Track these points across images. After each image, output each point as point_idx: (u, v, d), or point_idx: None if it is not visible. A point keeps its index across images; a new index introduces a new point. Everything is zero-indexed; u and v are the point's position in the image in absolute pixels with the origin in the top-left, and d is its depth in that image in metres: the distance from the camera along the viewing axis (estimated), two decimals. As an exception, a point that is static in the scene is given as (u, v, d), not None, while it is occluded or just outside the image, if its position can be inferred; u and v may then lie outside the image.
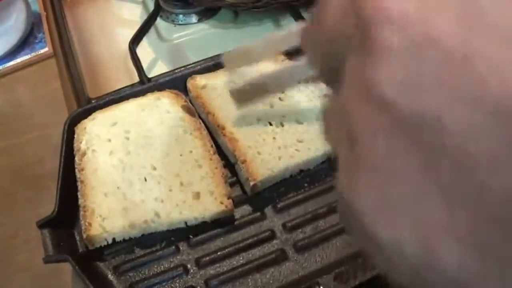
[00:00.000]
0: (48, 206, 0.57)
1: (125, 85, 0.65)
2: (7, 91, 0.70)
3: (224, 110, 0.55)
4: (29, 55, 0.71)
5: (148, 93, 0.58)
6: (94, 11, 0.78)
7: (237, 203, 0.51)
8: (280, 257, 0.48)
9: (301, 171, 0.53)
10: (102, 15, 0.78)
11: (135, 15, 0.77)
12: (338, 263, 0.48)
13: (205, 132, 0.55)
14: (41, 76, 0.70)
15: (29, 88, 0.70)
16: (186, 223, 0.50)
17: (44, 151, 0.63)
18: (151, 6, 0.77)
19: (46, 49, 0.71)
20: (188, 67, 0.62)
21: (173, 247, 0.50)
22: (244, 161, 0.51)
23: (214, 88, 0.58)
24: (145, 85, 0.59)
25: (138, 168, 0.52)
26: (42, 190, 0.59)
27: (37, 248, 0.54)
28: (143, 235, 0.50)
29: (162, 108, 0.57)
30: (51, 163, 0.61)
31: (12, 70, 0.71)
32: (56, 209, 0.50)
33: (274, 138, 0.53)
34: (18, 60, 0.71)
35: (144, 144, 0.54)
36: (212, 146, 0.54)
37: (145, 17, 0.75)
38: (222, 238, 0.50)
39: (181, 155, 0.53)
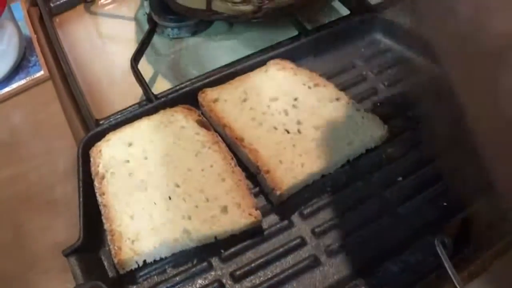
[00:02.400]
0: (64, 233, 0.57)
1: (128, 103, 0.64)
2: (4, 118, 0.68)
3: (240, 122, 0.56)
4: (24, 79, 0.69)
5: (161, 110, 0.58)
6: (84, 30, 0.77)
7: (263, 213, 0.51)
8: (313, 263, 0.49)
9: (322, 175, 0.54)
10: (93, 33, 0.76)
11: (127, 31, 0.76)
12: (373, 263, 0.49)
13: (223, 145, 0.55)
14: (38, 100, 0.69)
15: (28, 114, 0.69)
16: (215, 237, 0.50)
17: (52, 177, 0.62)
18: (143, 22, 0.76)
19: (42, 72, 0.69)
20: (194, 81, 0.62)
21: (206, 263, 0.49)
22: (267, 171, 0.51)
23: (226, 100, 0.58)
24: (154, 103, 0.59)
25: (160, 187, 0.52)
26: (56, 218, 0.58)
27: (57, 277, 0.53)
28: (173, 254, 0.49)
29: (177, 124, 0.56)
30: (61, 188, 0.60)
31: (8, 96, 0.68)
32: (81, 236, 0.49)
33: (293, 145, 0.54)
34: (14, 85, 0.69)
35: (164, 162, 0.54)
36: (232, 158, 0.54)
37: (139, 33, 0.75)
38: (253, 250, 0.50)
39: (202, 170, 0.53)
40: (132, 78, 0.65)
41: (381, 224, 0.51)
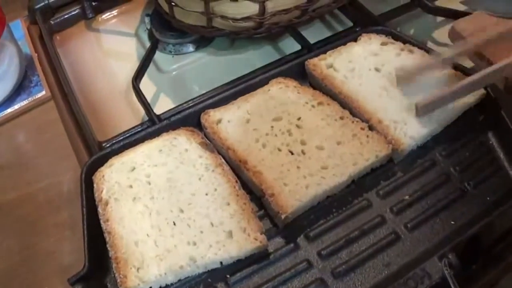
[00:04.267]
0: (70, 256, 0.57)
1: (130, 123, 0.64)
2: (7, 139, 0.68)
3: (244, 144, 0.55)
4: (26, 100, 0.69)
5: (163, 133, 0.57)
6: (85, 47, 0.76)
7: (268, 236, 0.51)
8: (320, 286, 0.48)
9: (328, 196, 0.53)
10: (95, 50, 0.76)
11: (129, 48, 0.75)
12: (379, 285, 0.48)
13: (227, 167, 0.54)
14: (41, 121, 0.68)
15: (31, 135, 0.68)
16: (221, 263, 0.49)
17: (57, 199, 0.61)
18: (144, 38, 0.76)
19: (43, 92, 0.69)
20: (196, 101, 0.61)
21: (212, 289, 0.49)
22: (272, 195, 0.51)
23: (230, 121, 0.57)
24: (157, 125, 0.58)
25: (165, 212, 0.51)
26: (62, 240, 0.58)
27: (64, 301, 0.53)
28: (179, 280, 0.49)
29: (180, 148, 0.56)
30: (67, 211, 0.60)
31: (10, 117, 0.68)
32: (87, 264, 0.49)
33: (298, 167, 0.53)
34: (16, 106, 0.69)
35: (167, 187, 0.53)
36: (236, 181, 0.53)
37: (140, 49, 0.74)
38: (259, 274, 0.50)
39: (206, 194, 0.52)
40: (134, 96, 0.65)
41: (388, 244, 0.51)
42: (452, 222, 0.52)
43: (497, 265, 0.52)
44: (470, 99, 0.57)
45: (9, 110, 0.69)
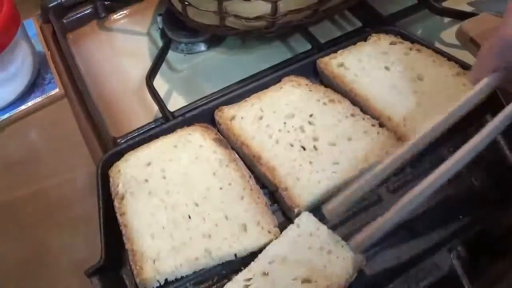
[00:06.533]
0: (84, 251, 0.57)
1: (142, 120, 0.65)
2: (21, 136, 0.69)
3: (257, 139, 0.56)
4: (39, 97, 0.70)
5: (178, 129, 0.58)
6: (98, 46, 0.77)
7: (282, 229, 0.52)
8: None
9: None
10: (107, 49, 0.77)
11: (141, 47, 0.76)
12: (389, 277, 0.49)
13: (241, 163, 0.55)
14: (55, 118, 0.69)
15: (44, 132, 0.69)
16: (235, 255, 0.50)
17: (71, 195, 0.62)
18: (156, 37, 0.77)
19: (57, 89, 0.70)
20: (209, 98, 0.62)
21: (226, 280, 0.50)
22: (285, 189, 0.52)
23: (243, 118, 0.58)
24: (171, 122, 0.59)
25: (180, 206, 0.52)
26: (75, 236, 0.59)
27: (78, 295, 0.54)
28: (194, 272, 0.50)
29: (195, 143, 0.57)
30: (80, 206, 0.61)
31: (24, 114, 0.69)
32: (103, 256, 0.50)
33: (310, 162, 0.54)
34: (29, 103, 0.70)
35: (182, 181, 0.54)
36: (250, 176, 0.54)
37: (152, 48, 0.75)
38: (273, 266, 0.51)
39: (221, 189, 0.53)
40: (147, 94, 0.66)
41: (398, 237, 0.52)
42: (460, 217, 0.53)
43: (504, 258, 0.53)
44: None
45: (23, 107, 0.70)
